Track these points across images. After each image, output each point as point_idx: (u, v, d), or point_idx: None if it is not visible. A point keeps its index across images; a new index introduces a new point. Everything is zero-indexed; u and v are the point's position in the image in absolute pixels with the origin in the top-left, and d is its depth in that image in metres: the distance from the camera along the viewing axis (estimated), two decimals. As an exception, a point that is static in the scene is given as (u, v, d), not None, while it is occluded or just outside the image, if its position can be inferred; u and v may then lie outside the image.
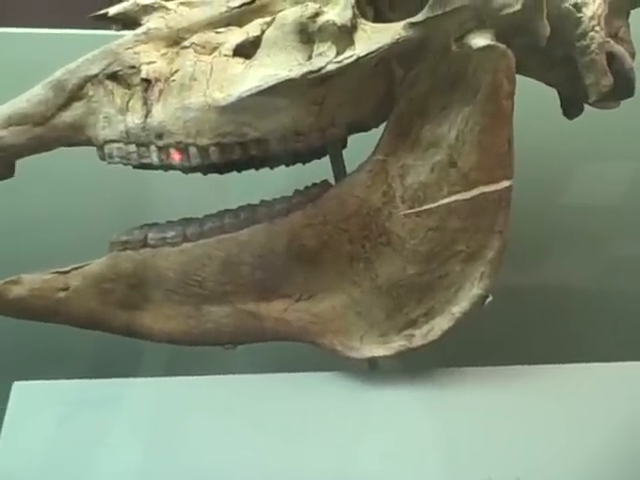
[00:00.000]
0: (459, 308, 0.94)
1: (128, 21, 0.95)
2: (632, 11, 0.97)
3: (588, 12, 0.90)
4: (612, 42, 0.92)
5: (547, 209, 1.23)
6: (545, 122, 1.10)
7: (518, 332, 1.24)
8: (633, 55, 0.95)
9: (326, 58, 0.87)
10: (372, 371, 0.98)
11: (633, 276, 1.29)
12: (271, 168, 0.99)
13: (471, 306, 0.93)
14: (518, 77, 0.92)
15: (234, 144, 0.89)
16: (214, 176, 0.99)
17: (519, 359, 1.01)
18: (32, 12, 1.26)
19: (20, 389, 0.95)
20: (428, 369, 0.98)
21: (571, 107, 0.99)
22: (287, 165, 0.99)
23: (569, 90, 0.96)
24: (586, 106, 0.97)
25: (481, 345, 1.12)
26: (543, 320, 1.25)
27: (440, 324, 0.94)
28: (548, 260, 1.28)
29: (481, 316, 0.94)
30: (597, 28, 0.90)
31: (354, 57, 0.86)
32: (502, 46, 0.87)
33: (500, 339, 1.20)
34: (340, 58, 0.86)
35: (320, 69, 0.86)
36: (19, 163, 0.93)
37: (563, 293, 1.27)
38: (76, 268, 0.95)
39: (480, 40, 0.87)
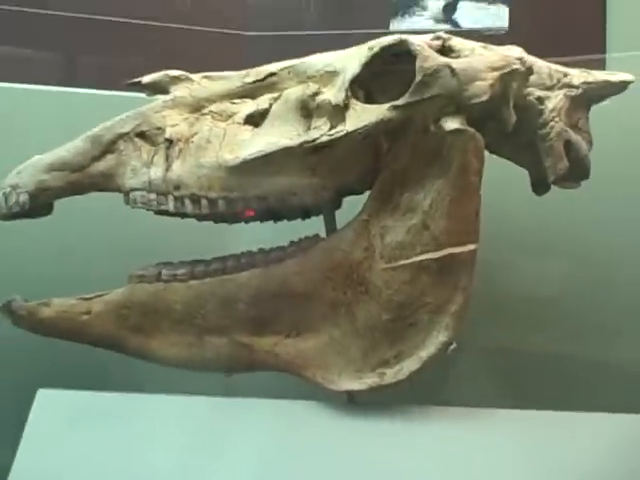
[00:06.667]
0: (426, 352, 1.01)
1: (158, 89, 1.08)
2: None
3: (550, 105, 1.03)
4: (570, 131, 1.03)
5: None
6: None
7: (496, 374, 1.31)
8: (590, 143, 1.07)
9: (320, 131, 0.98)
10: (350, 403, 1.07)
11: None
12: (274, 222, 1.10)
13: (436, 351, 1.01)
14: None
15: (239, 199, 1.00)
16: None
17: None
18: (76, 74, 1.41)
19: (43, 396, 1.06)
20: (400, 405, 1.06)
21: (539, 185, 1.08)
22: (289, 220, 1.10)
23: (535, 170, 1.07)
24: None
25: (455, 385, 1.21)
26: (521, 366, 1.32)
27: (409, 365, 1.02)
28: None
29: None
30: (557, 119, 1.02)
31: (344, 132, 0.98)
32: (471, 130, 0.98)
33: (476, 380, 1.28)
34: (332, 132, 0.98)
35: (314, 140, 0.98)
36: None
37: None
38: (98, 295, 1.06)
39: (452, 124, 0.98)
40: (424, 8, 1.36)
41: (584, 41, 1.31)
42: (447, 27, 1.35)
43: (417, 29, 1.34)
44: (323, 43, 1.10)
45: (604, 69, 1.24)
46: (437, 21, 1.36)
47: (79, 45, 1.41)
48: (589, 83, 1.07)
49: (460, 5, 1.36)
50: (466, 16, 1.36)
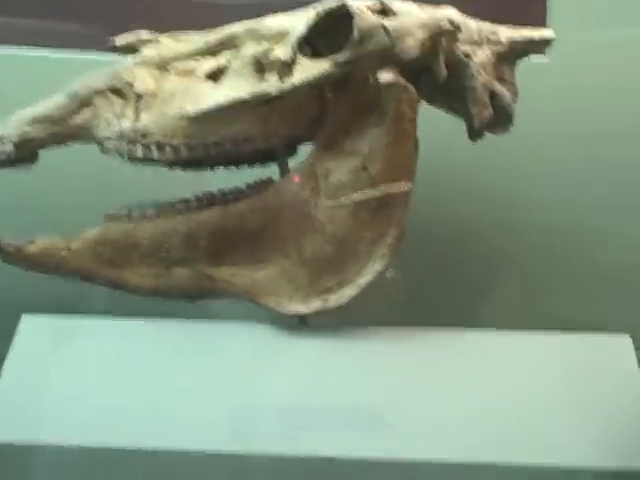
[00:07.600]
0: (364, 280, 1.13)
1: (130, 49, 1.17)
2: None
3: (476, 59, 1.13)
4: (496, 83, 1.14)
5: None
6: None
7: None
8: (516, 93, 1.18)
9: (270, 84, 1.08)
10: (301, 325, 1.19)
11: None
12: (236, 167, 1.20)
13: (373, 279, 1.13)
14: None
15: (198, 145, 1.10)
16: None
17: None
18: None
19: (27, 321, 1.17)
20: (345, 326, 1.19)
21: (473, 133, 1.19)
22: (249, 165, 1.20)
23: (466, 119, 1.17)
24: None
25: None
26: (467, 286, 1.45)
27: (349, 291, 1.13)
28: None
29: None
30: (482, 72, 1.13)
31: (290, 85, 1.08)
32: (402, 81, 1.08)
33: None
34: (280, 85, 1.08)
35: (265, 92, 1.08)
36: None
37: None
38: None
39: (386, 76, 1.08)
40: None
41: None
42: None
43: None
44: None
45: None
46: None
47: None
48: (514, 40, 1.17)
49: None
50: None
